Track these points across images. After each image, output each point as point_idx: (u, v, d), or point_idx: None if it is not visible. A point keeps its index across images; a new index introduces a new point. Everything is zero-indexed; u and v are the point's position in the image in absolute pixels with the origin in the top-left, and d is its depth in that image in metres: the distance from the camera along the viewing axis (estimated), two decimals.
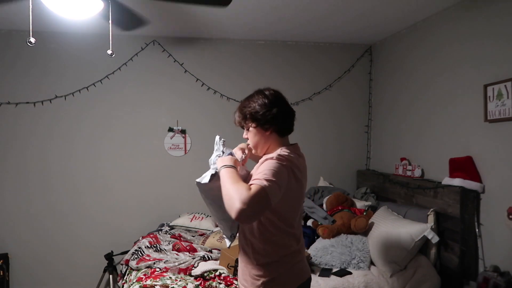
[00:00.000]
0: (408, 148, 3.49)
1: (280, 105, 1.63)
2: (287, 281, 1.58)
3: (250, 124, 1.65)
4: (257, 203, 1.32)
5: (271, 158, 1.49)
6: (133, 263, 2.88)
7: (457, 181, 2.68)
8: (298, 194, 1.60)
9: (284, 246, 1.58)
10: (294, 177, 1.51)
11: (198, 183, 1.65)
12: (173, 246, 3.10)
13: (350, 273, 2.66)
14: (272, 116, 1.60)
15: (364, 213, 3.18)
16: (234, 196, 1.33)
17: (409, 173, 3.33)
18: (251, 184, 1.38)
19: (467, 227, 2.62)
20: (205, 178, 1.63)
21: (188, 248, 3.06)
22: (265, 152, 1.67)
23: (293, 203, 1.58)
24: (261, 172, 1.43)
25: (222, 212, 1.54)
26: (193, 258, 2.81)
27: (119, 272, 3.38)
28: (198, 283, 2.51)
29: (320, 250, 2.84)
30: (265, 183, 1.36)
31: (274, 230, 1.55)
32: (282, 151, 1.57)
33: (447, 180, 2.80)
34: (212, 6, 2.38)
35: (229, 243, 1.70)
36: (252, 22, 3.37)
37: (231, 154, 1.66)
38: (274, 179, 1.39)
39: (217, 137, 1.73)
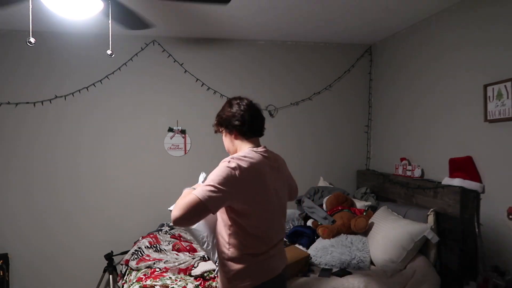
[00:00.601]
0: (408, 148, 3.49)
1: (241, 110, 1.73)
2: (248, 277, 1.63)
3: (219, 129, 1.82)
4: (188, 211, 1.48)
5: (223, 162, 1.59)
6: (133, 263, 2.88)
7: (457, 181, 2.68)
8: (261, 197, 1.62)
9: (247, 246, 1.63)
10: (249, 177, 1.57)
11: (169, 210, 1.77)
12: (173, 246, 3.10)
13: (350, 273, 2.66)
14: (229, 119, 1.74)
15: (364, 213, 3.18)
16: (176, 204, 1.55)
17: (409, 173, 3.33)
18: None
19: (467, 227, 2.62)
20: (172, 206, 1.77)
21: (188, 248, 3.06)
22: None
23: (255, 204, 1.61)
24: (209, 177, 1.56)
25: (197, 240, 1.82)
26: (193, 258, 2.81)
27: (119, 272, 3.38)
28: (198, 283, 2.51)
29: (320, 250, 2.84)
30: (201, 192, 1.49)
31: (238, 229, 1.63)
32: (240, 153, 1.67)
33: (447, 180, 2.80)
34: (213, 3, 2.40)
35: (216, 268, 1.76)
36: (252, 22, 3.37)
37: None
38: (215, 185, 1.51)
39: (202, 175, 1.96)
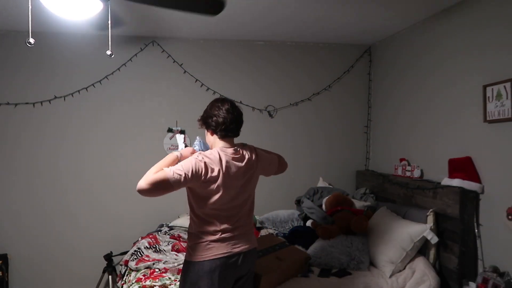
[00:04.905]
0: (408, 148, 3.49)
1: (218, 114, 1.95)
2: (200, 253, 1.91)
3: (202, 125, 2.07)
4: (154, 184, 1.72)
5: (195, 155, 1.88)
6: (132, 264, 2.88)
7: (456, 182, 2.68)
8: (221, 186, 1.87)
9: (204, 223, 1.92)
10: (211, 170, 1.84)
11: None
12: (172, 247, 3.10)
13: (349, 273, 2.66)
14: (207, 119, 1.99)
15: (364, 214, 3.18)
16: (145, 174, 1.78)
17: (408, 173, 3.33)
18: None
19: (467, 227, 2.62)
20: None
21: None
22: None
23: (213, 191, 1.87)
24: (180, 163, 1.82)
25: None
26: None
27: (118, 273, 3.38)
28: None
29: (319, 250, 2.84)
30: (170, 172, 1.75)
31: (198, 209, 1.93)
32: (210, 151, 1.94)
33: (446, 181, 2.80)
34: (202, 14, 2.49)
35: None
36: (251, 22, 3.37)
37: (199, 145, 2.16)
38: (181, 169, 1.77)
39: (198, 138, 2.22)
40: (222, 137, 1.99)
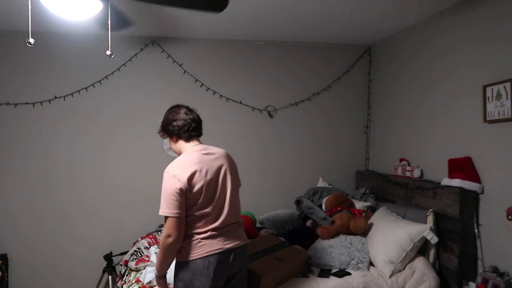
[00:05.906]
0: (407, 148, 3.49)
1: (177, 118, 2.04)
2: (192, 251, 1.94)
3: (163, 134, 2.14)
4: (177, 230, 1.87)
5: (165, 173, 1.92)
6: (132, 264, 2.88)
7: (456, 182, 2.68)
8: (197, 188, 1.92)
9: (193, 224, 1.96)
10: (184, 176, 1.88)
11: None
12: None
13: (349, 273, 2.66)
14: (167, 126, 2.07)
15: (363, 214, 3.18)
16: (162, 245, 1.91)
17: (408, 173, 3.33)
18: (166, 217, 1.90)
19: (466, 227, 2.62)
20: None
21: None
22: None
23: (192, 195, 1.92)
24: (162, 192, 1.90)
25: None
26: None
27: (118, 273, 3.38)
28: None
29: (319, 251, 2.84)
30: (169, 212, 1.86)
31: (188, 215, 1.95)
32: (176, 159, 1.99)
33: (446, 181, 2.80)
34: (206, 11, 2.46)
35: None
36: (251, 22, 3.37)
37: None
38: (166, 198, 1.87)
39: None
40: (187, 139, 2.06)
